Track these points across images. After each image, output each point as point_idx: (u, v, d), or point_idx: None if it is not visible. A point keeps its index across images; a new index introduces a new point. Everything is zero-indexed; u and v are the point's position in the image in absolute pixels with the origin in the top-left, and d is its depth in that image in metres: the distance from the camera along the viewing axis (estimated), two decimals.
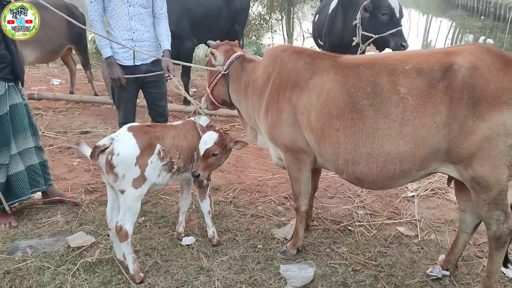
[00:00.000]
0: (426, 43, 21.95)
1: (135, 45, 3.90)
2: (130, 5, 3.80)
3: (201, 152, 2.95)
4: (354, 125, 2.56)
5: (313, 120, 2.72)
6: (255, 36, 12.74)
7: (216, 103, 3.37)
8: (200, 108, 3.57)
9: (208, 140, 2.96)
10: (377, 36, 5.12)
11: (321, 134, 2.70)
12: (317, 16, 6.69)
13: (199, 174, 2.95)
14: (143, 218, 3.65)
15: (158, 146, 2.80)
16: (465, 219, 2.84)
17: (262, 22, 12.87)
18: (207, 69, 3.34)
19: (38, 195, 3.84)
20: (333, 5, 5.85)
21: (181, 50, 6.06)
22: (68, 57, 7.13)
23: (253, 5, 13.08)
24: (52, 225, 3.53)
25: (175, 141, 2.93)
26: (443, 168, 2.53)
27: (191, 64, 4.54)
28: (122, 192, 2.70)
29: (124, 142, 2.66)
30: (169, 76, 3.90)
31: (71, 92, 7.17)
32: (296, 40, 13.64)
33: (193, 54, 6.71)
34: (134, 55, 3.92)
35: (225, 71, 3.18)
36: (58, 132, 5.63)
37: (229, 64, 3.17)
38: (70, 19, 3.22)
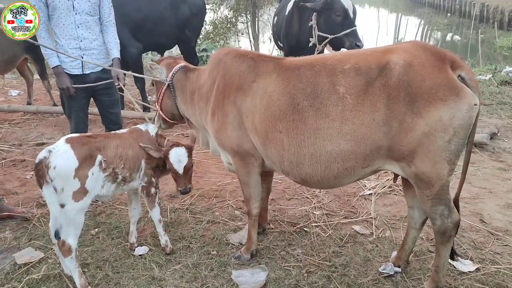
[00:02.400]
0: (398, 41, 22.36)
1: (83, 54, 3.81)
2: (76, 13, 3.71)
3: (181, 171, 2.99)
4: (296, 127, 2.56)
5: (257, 123, 2.71)
6: (222, 40, 12.70)
7: (167, 119, 3.35)
8: (150, 119, 3.55)
9: (182, 157, 3.01)
10: (332, 36, 5.16)
11: (265, 137, 2.69)
12: (276, 18, 6.72)
13: (190, 188, 3.05)
14: (97, 229, 3.56)
15: (99, 157, 2.73)
16: (413, 215, 2.86)
17: (229, 25, 12.85)
18: (153, 79, 3.31)
19: None
20: (289, 7, 5.87)
21: (126, 57, 5.94)
22: (24, 67, 6.94)
23: (219, 8, 13.05)
24: None
25: (119, 151, 2.86)
26: (387, 165, 2.54)
27: (135, 74, 4.51)
28: (63, 206, 2.61)
29: (60, 155, 2.57)
30: (118, 84, 3.82)
31: (29, 103, 6.98)
32: (263, 42, 13.68)
33: (141, 60, 6.58)
34: (82, 64, 3.83)
35: (169, 82, 3.17)
36: (12, 145, 5.47)
37: (172, 75, 3.16)
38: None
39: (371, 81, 2.39)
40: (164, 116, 3.32)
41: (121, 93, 4.05)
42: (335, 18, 5.15)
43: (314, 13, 5.31)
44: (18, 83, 8.84)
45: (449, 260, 2.79)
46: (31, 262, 3.08)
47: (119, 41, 3.99)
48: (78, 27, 3.74)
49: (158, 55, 7.49)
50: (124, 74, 3.90)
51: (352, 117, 2.41)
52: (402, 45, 2.51)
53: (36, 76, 7.31)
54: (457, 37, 21.81)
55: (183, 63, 3.27)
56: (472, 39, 17.62)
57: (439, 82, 2.28)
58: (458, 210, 2.60)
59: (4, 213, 3.66)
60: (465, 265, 3.02)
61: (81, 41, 3.78)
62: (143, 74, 6.15)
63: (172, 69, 3.19)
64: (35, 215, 3.73)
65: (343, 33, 5.10)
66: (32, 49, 6.37)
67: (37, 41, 3.50)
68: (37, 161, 2.56)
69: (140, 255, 3.19)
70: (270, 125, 2.65)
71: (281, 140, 2.62)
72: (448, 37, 23.05)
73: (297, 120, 2.54)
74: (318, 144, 2.50)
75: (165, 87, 3.21)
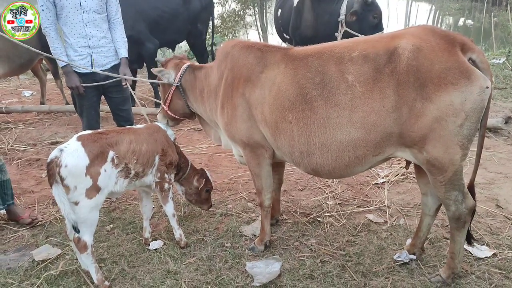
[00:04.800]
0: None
1: (92, 52, 3.83)
2: (83, 11, 3.72)
3: None
4: (305, 117, 2.55)
5: (267, 114, 2.70)
6: (231, 33, 12.66)
7: (176, 117, 3.36)
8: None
9: None
10: (363, 36, 5.23)
11: (275, 128, 2.69)
12: (280, 10, 6.69)
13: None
14: (112, 225, 3.60)
15: (111, 153, 2.73)
16: (426, 202, 2.84)
17: (237, 18, 12.80)
18: (160, 83, 3.31)
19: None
20: None
21: (143, 52, 6.00)
22: (37, 67, 7.01)
23: (226, 1, 13.01)
24: (17, 239, 3.47)
25: (132, 146, 2.86)
26: (399, 152, 2.52)
27: (143, 79, 4.56)
28: (76, 203, 2.63)
29: (71, 153, 2.58)
30: (125, 84, 3.83)
31: (42, 103, 7.06)
32: (272, 34, 13.61)
33: (156, 56, 6.62)
34: (92, 62, 3.85)
35: (177, 83, 3.18)
36: (27, 145, 5.54)
37: (180, 76, 3.17)
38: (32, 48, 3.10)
39: (379, 68, 2.36)
40: (173, 115, 3.33)
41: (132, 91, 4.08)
42: (372, 20, 5.40)
43: (344, 8, 5.39)
44: (31, 83, 8.95)
45: (465, 246, 2.77)
46: (49, 259, 3.13)
47: (126, 39, 4.00)
48: (86, 25, 3.76)
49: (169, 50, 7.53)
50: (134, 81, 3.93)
51: (362, 104, 2.39)
52: (411, 29, 2.48)
53: (49, 76, 7.38)
54: (469, 22, 21.35)
55: (188, 62, 3.28)
56: (485, 23, 17.27)
57: (449, 66, 2.25)
58: (474, 196, 2.57)
59: (13, 217, 3.70)
60: (481, 251, 2.99)
61: (90, 39, 3.80)
62: None
63: (180, 70, 3.19)
64: (37, 221, 3.70)
65: (375, 35, 5.19)
66: (47, 49, 6.41)
67: (44, 40, 3.51)
68: (48, 160, 2.59)
69: (155, 249, 3.22)
70: (279, 116, 2.64)
71: (291, 131, 2.61)
72: (461, 22, 22.62)
73: (306, 110, 2.53)
74: (328, 133, 2.49)
75: (174, 89, 3.22)
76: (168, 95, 3.25)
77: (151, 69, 3.46)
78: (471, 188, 2.59)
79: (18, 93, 8.25)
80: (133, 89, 3.94)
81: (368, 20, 5.45)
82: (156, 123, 3.32)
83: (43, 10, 3.63)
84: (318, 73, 2.52)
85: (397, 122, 2.36)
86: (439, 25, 22.42)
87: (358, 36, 5.34)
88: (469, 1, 26.30)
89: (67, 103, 7.00)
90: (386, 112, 2.36)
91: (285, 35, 6.63)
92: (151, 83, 6.60)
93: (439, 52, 2.28)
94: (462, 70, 2.24)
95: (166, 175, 3.13)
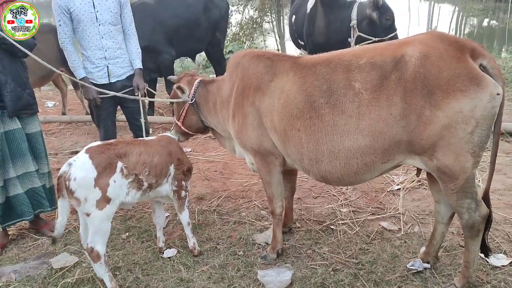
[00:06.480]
0: (431, 30, 21.59)
1: (109, 63, 3.93)
2: (100, 24, 3.82)
3: None
4: (313, 124, 2.56)
5: (276, 122, 2.73)
6: (248, 40, 12.72)
7: (190, 132, 3.46)
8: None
9: None
10: (377, 39, 5.26)
11: (284, 135, 2.71)
12: (294, 16, 6.72)
13: None
14: (127, 233, 3.66)
15: (120, 164, 2.77)
16: (439, 209, 2.80)
17: (254, 25, 12.88)
18: (173, 102, 3.40)
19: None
20: (310, 4, 5.86)
21: (159, 64, 6.09)
22: (58, 79, 7.18)
23: (244, 9, 13.10)
24: (37, 247, 3.56)
25: (142, 158, 2.89)
26: (409, 160, 2.50)
27: (158, 100, 4.65)
28: (88, 215, 2.69)
29: (79, 166, 2.64)
30: (138, 94, 3.92)
31: (63, 113, 7.25)
32: (289, 40, 13.65)
33: (173, 67, 6.69)
34: (108, 73, 3.95)
35: (191, 101, 3.26)
36: (49, 155, 5.66)
37: (194, 93, 3.25)
38: (38, 59, 3.15)
39: (386, 75, 2.36)
40: (186, 131, 3.42)
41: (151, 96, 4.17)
42: (385, 22, 5.41)
43: (355, 13, 5.41)
44: (53, 94, 9.18)
45: (483, 256, 2.71)
46: (67, 267, 3.20)
47: (140, 50, 4.09)
48: (103, 37, 3.86)
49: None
50: (145, 93, 4.04)
51: (369, 112, 2.38)
52: (419, 36, 2.46)
53: (71, 86, 7.57)
54: (494, 22, 20.93)
55: (199, 77, 3.37)
56: (509, 24, 16.89)
57: (458, 73, 2.22)
58: (489, 204, 2.52)
59: (35, 226, 3.81)
60: (498, 259, 2.92)
61: (106, 50, 3.89)
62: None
63: (193, 86, 3.27)
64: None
65: (388, 36, 5.27)
66: (66, 62, 6.59)
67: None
68: (58, 174, 2.67)
69: (168, 258, 3.26)
70: (288, 124, 2.66)
71: (300, 138, 2.63)
72: (485, 23, 22.17)
73: (314, 118, 2.54)
74: (336, 140, 2.50)
75: (188, 105, 3.30)
76: (183, 112, 3.33)
77: (169, 77, 3.55)
78: (486, 196, 2.55)
79: (41, 104, 8.46)
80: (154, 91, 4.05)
81: (381, 22, 5.49)
82: (167, 133, 3.38)
83: (60, 25, 3.75)
84: (326, 81, 2.54)
85: (405, 129, 2.34)
86: (462, 27, 21.99)
87: (371, 39, 5.35)
88: (493, 1, 25.74)
89: (87, 113, 7.16)
90: (394, 119, 2.34)
91: (299, 41, 6.65)
92: (169, 93, 6.72)
93: (447, 59, 2.26)
94: (472, 76, 2.21)
95: (183, 183, 3.18)
